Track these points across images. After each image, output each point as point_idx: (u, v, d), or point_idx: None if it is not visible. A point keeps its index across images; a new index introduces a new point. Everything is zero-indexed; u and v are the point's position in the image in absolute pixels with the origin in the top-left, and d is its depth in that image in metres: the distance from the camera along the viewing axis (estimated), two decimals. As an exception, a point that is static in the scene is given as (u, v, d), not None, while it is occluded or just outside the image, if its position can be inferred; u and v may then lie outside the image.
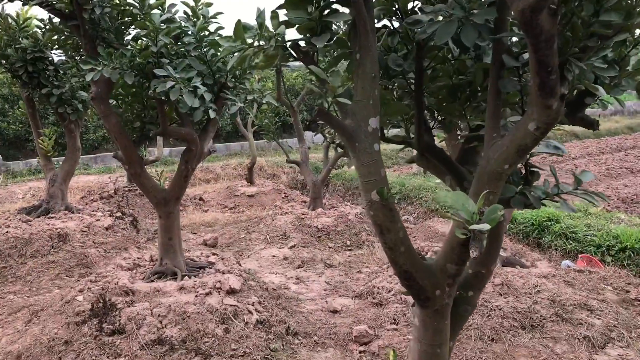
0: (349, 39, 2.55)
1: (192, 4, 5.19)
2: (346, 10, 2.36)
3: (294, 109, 9.24)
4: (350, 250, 8.19)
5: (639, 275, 6.53)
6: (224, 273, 5.59)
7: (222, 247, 8.41)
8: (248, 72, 5.34)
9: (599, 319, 5.12)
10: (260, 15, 2.12)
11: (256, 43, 2.13)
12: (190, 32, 4.88)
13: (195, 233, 9.36)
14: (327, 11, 2.29)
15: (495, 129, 2.30)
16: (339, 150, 9.01)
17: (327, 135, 9.15)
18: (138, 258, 6.09)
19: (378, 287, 6.16)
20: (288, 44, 2.31)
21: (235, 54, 2.13)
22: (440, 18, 2.55)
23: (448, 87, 3.15)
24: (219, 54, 5.13)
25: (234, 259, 6.24)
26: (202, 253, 6.48)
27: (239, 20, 2.06)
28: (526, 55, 2.42)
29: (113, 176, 12.65)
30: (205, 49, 4.96)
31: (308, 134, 16.17)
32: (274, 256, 7.79)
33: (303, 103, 9.91)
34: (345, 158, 9.77)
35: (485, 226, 2.02)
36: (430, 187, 11.52)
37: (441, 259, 2.52)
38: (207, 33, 5.08)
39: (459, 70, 3.06)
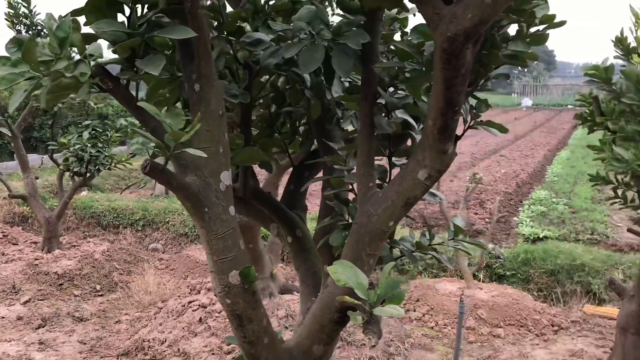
0: (171, 63, 1.89)
1: None
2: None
3: (15, 135, 7.61)
4: (101, 295, 7.02)
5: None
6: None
7: None
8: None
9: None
10: (63, 26, 1.32)
11: (54, 67, 1.33)
12: None
13: None
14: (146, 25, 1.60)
15: (370, 177, 1.89)
16: (77, 178, 7.70)
17: (60, 163, 7.76)
18: None
19: (149, 340, 5.33)
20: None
21: (20, 86, 1.29)
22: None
23: (266, 118, 2.67)
24: None
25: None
26: None
27: (31, 38, 1.24)
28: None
29: None
30: None
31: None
32: (3, 317, 6.25)
33: (24, 125, 8.31)
34: (84, 187, 8.50)
35: (399, 312, 1.58)
36: (176, 210, 10.84)
37: (305, 340, 2.01)
38: None
39: (276, 99, 2.60)
